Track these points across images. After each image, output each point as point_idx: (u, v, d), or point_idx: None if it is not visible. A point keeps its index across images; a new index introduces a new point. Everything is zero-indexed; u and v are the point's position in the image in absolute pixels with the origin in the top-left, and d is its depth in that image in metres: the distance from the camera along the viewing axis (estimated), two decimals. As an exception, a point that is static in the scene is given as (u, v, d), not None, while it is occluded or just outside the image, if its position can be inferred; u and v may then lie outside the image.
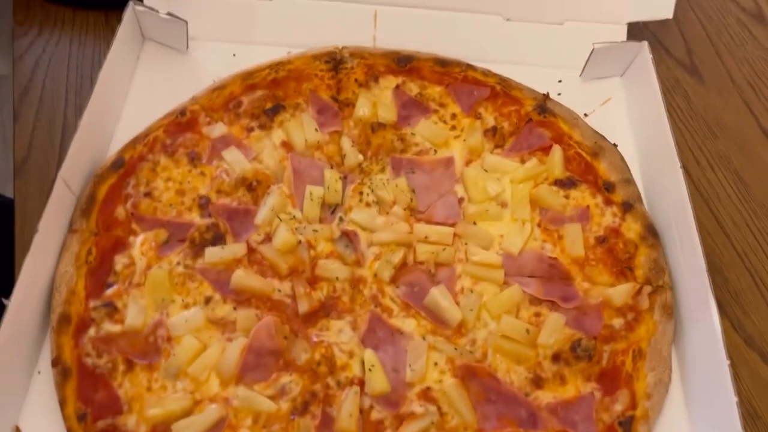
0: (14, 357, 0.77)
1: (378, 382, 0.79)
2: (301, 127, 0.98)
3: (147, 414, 0.76)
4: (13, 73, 1.06)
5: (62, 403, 0.76)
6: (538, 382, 0.81)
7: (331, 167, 0.96)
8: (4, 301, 0.75)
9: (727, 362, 0.75)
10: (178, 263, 0.86)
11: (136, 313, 0.82)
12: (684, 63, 1.15)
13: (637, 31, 1.10)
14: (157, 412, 0.76)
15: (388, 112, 1.00)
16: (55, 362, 0.78)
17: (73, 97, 1.05)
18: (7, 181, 1.04)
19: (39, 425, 0.77)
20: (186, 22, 1.04)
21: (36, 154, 0.99)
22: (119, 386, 0.77)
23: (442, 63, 1.06)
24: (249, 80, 1.02)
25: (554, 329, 0.83)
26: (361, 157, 0.96)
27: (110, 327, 0.81)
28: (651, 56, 1.03)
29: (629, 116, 1.06)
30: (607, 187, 0.95)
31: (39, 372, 0.80)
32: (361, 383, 0.80)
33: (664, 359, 0.82)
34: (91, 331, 0.80)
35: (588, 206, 0.93)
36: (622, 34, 1.10)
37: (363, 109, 1.00)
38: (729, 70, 1.15)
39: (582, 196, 0.94)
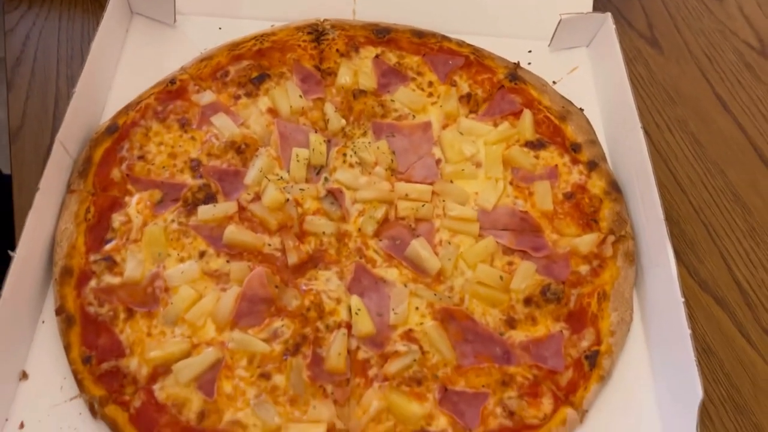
0: (19, 307, 0.81)
1: (364, 324, 0.85)
2: (286, 95, 1.03)
3: (148, 356, 0.81)
4: (4, 45, 1.10)
5: (67, 348, 0.81)
6: (511, 323, 0.87)
7: (316, 132, 1.01)
8: (10, 253, 0.79)
9: (682, 300, 0.82)
10: (173, 221, 0.91)
11: (134, 266, 0.87)
12: (645, 35, 1.23)
13: (601, 5, 1.16)
14: (158, 355, 0.81)
15: (368, 80, 1.06)
16: (59, 311, 0.83)
17: (64, 68, 1.09)
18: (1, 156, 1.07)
19: (45, 370, 0.81)
20: (173, -4, 1.09)
21: (30, 122, 1.03)
22: (121, 332, 0.82)
23: (419, 34, 1.12)
24: (235, 51, 1.07)
25: (526, 276, 0.90)
26: (344, 121, 1.02)
27: (110, 279, 0.86)
28: (614, 27, 1.09)
29: (595, 83, 1.13)
30: (574, 148, 1.02)
31: (43, 321, 0.84)
32: (348, 326, 0.85)
33: (627, 300, 0.89)
34: (93, 283, 0.85)
35: (556, 165, 1.00)
36: (588, 6, 1.16)
37: (345, 77, 1.06)
38: (686, 41, 1.22)
39: (551, 156, 1.01)
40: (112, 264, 0.87)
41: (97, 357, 0.80)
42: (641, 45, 1.21)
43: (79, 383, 0.79)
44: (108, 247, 0.88)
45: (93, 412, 0.78)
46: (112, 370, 0.80)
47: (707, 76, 1.18)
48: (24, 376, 0.81)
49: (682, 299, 0.82)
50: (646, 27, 1.24)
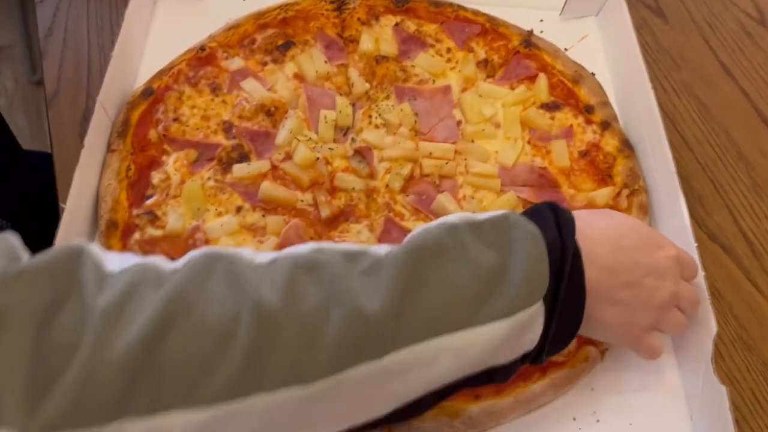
0: (68, 258, 0.85)
1: (395, 272, 0.89)
2: (312, 61, 1.07)
3: (194, 302, 0.85)
4: (35, 16, 1.13)
5: (116, 296, 0.85)
6: (534, 270, 0.92)
7: (341, 95, 1.06)
8: (62, 205, 0.83)
9: (695, 245, 0.87)
10: (209, 178, 0.95)
11: (175, 220, 0.91)
12: (651, 6, 1.28)
13: None
14: (203, 300, 0.85)
15: (389, 47, 1.11)
16: (107, 261, 0.87)
17: (95, 37, 1.12)
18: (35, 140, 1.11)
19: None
20: (199, -32, 1.12)
21: (65, 88, 1.06)
22: (166, 281, 0.87)
23: (436, 4, 1.17)
24: (261, 20, 1.11)
25: (546, 226, 0.95)
26: (367, 85, 1.07)
27: (153, 231, 0.90)
28: (623, -4, 1.15)
29: (604, 50, 1.18)
30: (587, 109, 1.07)
31: (91, 272, 0.88)
32: (381, 274, 0.90)
33: (641, 248, 0.94)
34: (137, 235, 0.89)
35: (571, 125, 1.05)
36: (595, -23, 1.22)
37: (367, 44, 1.10)
38: (690, 11, 1.28)
39: (565, 117, 1.06)
40: (154, 218, 0.91)
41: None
42: (647, 15, 1.26)
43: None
44: (149, 202, 0.92)
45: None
46: (160, 315, 0.84)
47: (710, 43, 1.23)
48: (75, 322, 0.85)
49: (695, 244, 0.87)
50: None
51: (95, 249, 0.58)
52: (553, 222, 0.69)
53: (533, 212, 0.71)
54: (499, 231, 0.66)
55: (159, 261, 0.60)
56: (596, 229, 0.73)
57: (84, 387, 0.47)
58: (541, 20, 1.21)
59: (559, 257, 0.66)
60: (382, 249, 0.66)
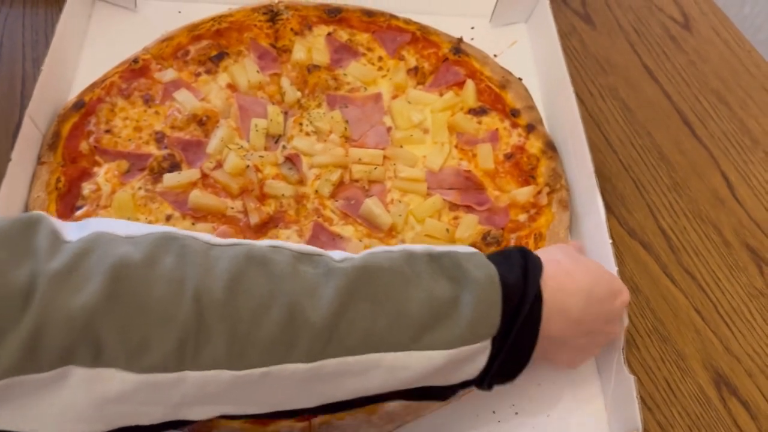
0: (-4, 270, 0.86)
1: (322, 275, 0.92)
2: (244, 70, 1.10)
3: (121, 310, 0.87)
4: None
5: (44, 305, 0.86)
6: (457, 270, 0.95)
7: (273, 104, 1.08)
8: (-14, 217, 0.84)
9: (609, 241, 0.91)
10: (140, 188, 0.97)
11: (105, 230, 0.92)
12: (579, 12, 1.32)
13: None
14: (130, 308, 0.87)
15: (322, 56, 1.13)
16: (35, 272, 0.88)
17: (29, 51, 1.13)
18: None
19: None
20: (133, -19, 1.14)
21: None
22: (94, 289, 0.88)
23: (369, 14, 1.20)
24: (195, 31, 1.13)
25: (469, 226, 0.98)
26: (299, 93, 1.09)
27: (82, 242, 0.91)
28: (548, 3, 1.19)
29: (533, 55, 1.22)
30: (514, 113, 1.10)
31: (19, 283, 0.90)
32: (308, 278, 0.92)
33: (561, 239, 0.97)
34: (66, 246, 0.90)
35: (497, 129, 1.09)
36: (525, -15, 1.26)
37: (299, 53, 1.13)
38: (616, 17, 1.32)
39: (492, 121, 1.10)
40: (83, 228, 0.92)
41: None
42: (575, 21, 1.31)
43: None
44: (79, 213, 0.94)
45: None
46: (87, 323, 0.86)
47: (635, 48, 1.28)
48: None
49: (610, 240, 0.91)
50: (580, 5, 1.33)
51: (54, 219, 0.62)
52: (520, 266, 0.70)
53: (502, 254, 0.73)
54: (457, 266, 0.68)
55: (117, 228, 0.63)
56: (575, 281, 0.75)
57: (32, 342, 0.53)
58: (472, 27, 1.25)
59: (516, 302, 0.68)
60: (338, 255, 0.68)
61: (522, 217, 1.00)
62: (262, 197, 0.99)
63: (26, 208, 0.93)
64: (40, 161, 0.97)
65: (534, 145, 1.07)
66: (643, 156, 1.13)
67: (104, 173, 0.98)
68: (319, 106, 1.09)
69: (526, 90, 1.14)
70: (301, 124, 1.06)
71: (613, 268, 0.88)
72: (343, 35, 1.17)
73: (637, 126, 1.17)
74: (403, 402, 0.82)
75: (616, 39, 1.29)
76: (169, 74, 1.08)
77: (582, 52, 1.26)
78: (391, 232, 0.98)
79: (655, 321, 0.97)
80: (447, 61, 1.15)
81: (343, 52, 1.15)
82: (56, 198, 0.94)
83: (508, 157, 1.06)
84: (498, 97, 1.12)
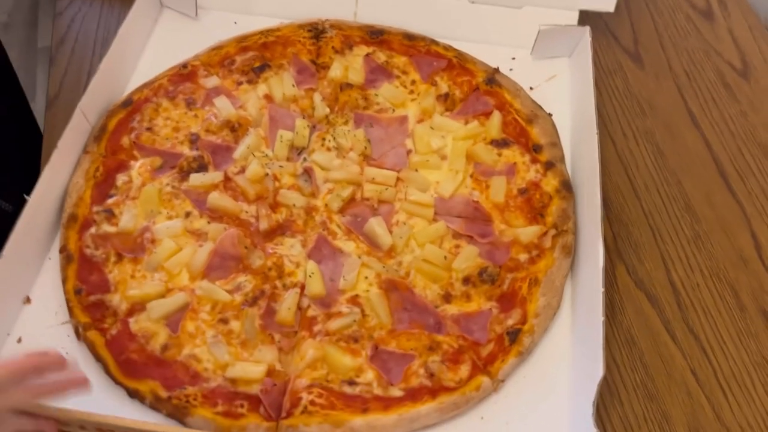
0: (30, 244, 0.97)
1: (315, 286, 0.96)
2: (281, 83, 1.16)
3: (128, 294, 0.95)
4: (53, 26, 1.28)
5: (64, 281, 0.96)
6: (448, 298, 0.97)
7: (303, 118, 1.14)
8: (25, 197, 0.95)
9: (602, 290, 0.89)
10: (167, 184, 1.05)
11: (128, 219, 1.01)
12: (629, 50, 1.29)
13: (592, 20, 1.24)
14: (137, 293, 0.95)
15: (357, 75, 1.18)
16: (62, 250, 0.98)
17: (99, 48, 1.25)
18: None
19: (44, 297, 0.97)
20: (195, -8, 1.24)
21: (65, 93, 1.20)
22: (109, 272, 0.97)
23: (410, 37, 1.23)
24: (243, 43, 1.21)
25: (467, 258, 0.99)
26: (328, 110, 1.14)
27: (107, 228, 1.01)
28: (590, 40, 1.17)
29: (571, 92, 1.21)
30: (536, 149, 1.10)
31: (50, 258, 1.00)
32: (303, 287, 0.97)
33: (556, 288, 0.97)
34: (92, 230, 1.00)
35: (515, 163, 1.09)
36: (573, 19, 1.24)
37: (336, 71, 1.18)
38: (669, 58, 1.28)
39: (512, 154, 1.10)
40: (110, 215, 1.02)
41: (87, 290, 0.95)
42: (623, 59, 1.28)
43: (70, 310, 0.94)
44: (110, 201, 1.03)
45: (78, 334, 0.93)
46: (98, 302, 0.94)
47: (683, 91, 1.23)
48: (27, 300, 0.96)
49: (602, 289, 0.89)
50: (632, 42, 1.30)
51: None
52: None
53: None
54: None
55: None
56: None
57: None
58: (513, 58, 1.25)
59: None
60: None
61: (523, 257, 1.00)
62: (275, 205, 1.05)
63: (66, 192, 1.03)
64: (85, 150, 1.07)
65: (550, 183, 1.07)
66: (667, 204, 1.10)
67: (138, 167, 1.07)
68: (345, 123, 1.14)
69: (553, 126, 1.13)
70: (324, 139, 1.11)
71: (600, 318, 0.87)
72: (381, 56, 1.21)
73: (667, 173, 1.13)
74: (368, 419, 0.85)
75: (664, 81, 1.25)
76: (212, 81, 1.17)
77: (624, 91, 1.23)
78: (390, 253, 1.01)
79: (645, 377, 0.94)
80: (478, 90, 1.17)
81: (378, 73, 1.19)
82: (93, 185, 1.04)
83: (522, 192, 1.06)
84: (523, 130, 1.12)
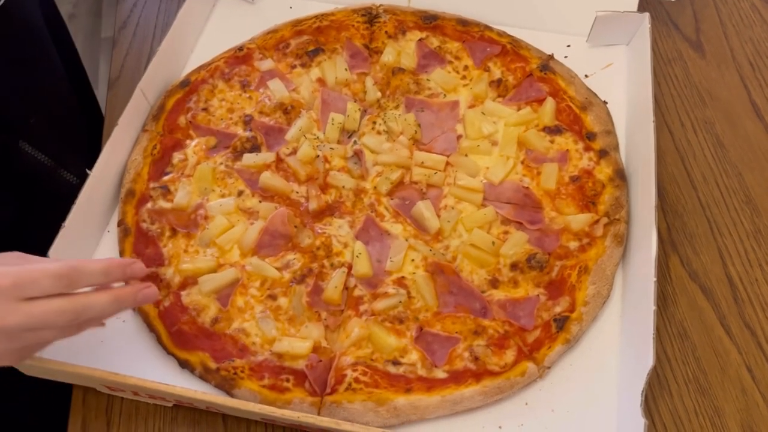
0: (91, 217, 1.01)
1: (362, 266, 0.97)
2: (334, 67, 1.17)
3: (181, 268, 0.98)
4: (116, 9, 1.32)
5: (121, 253, 0.99)
6: (494, 284, 0.96)
7: (355, 101, 1.15)
8: (87, 171, 0.99)
9: (654, 279, 0.87)
10: (221, 163, 1.08)
11: (183, 196, 1.04)
12: (690, 39, 1.25)
13: (652, 8, 1.21)
14: (189, 267, 0.97)
15: (409, 60, 1.18)
16: (120, 223, 1.02)
17: (159, 32, 1.29)
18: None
19: (103, 268, 1.00)
20: (253, -23, 1.26)
21: (126, 74, 1.24)
22: (164, 246, 1.00)
23: (464, 23, 1.22)
24: (298, 27, 1.23)
25: (516, 244, 0.98)
26: (379, 94, 1.15)
27: (163, 203, 1.04)
28: (649, 27, 1.14)
29: (628, 80, 1.18)
30: (589, 136, 1.08)
31: (108, 231, 1.04)
32: (350, 267, 0.98)
33: (607, 277, 0.95)
34: (149, 205, 1.03)
35: (568, 150, 1.07)
36: (633, 5, 1.21)
37: (388, 56, 1.18)
38: (732, 48, 1.24)
39: (565, 141, 1.09)
40: (166, 192, 1.05)
41: (143, 263, 0.98)
42: (684, 48, 1.24)
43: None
44: (166, 178, 1.06)
45: (133, 305, 0.96)
46: (152, 274, 0.97)
47: (746, 82, 1.19)
48: (87, 271, 1.00)
49: (654, 278, 0.88)
50: (694, 31, 1.26)
51: None
52: None
53: None
54: None
55: None
56: None
57: None
58: (569, 45, 1.23)
59: None
60: None
61: (573, 245, 0.98)
62: (325, 186, 1.06)
63: (124, 169, 1.07)
64: (143, 129, 1.11)
65: (603, 172, 1.05)
66: (726, 197, 1.06)
67: (194, 146, 1.09)
68: (396, 107, 1.14)
69: (608, 114, 1.11)
70: (375, 122, 1.12)
71: (651, 307, 0.86)
72: (434, 42, 1.20)
73: (727, 164, 1.09)
74: (411, 398, 0.86)
75: (726, 70, 1.21)
76: (267, 64, 1.18)
77: (684, 80, 1.20)
78: (437, 236, 1.01)
79: (698, 371, 0.92)
80: (531, 76, 1.15)
81: (431, 58, 1.19)
82: (150, 162, 1.07)
83: (574, 179, 1.05)
84: (577, 118, 1.11)
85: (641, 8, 1.20)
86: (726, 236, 1.03)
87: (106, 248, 1.02)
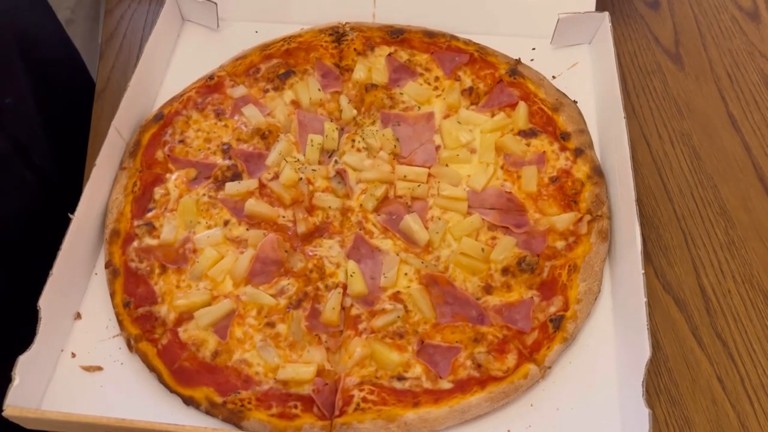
0: (76, 261, 0.99)
1: (357, 285, 0.98)
2: (307, 88, 1.18)
3: (175, 304, 0.97)
4: (103, 22, 1.31)
5: (112, 295, 0.98)
6: (488, 290, 0.98)
7: (331, 121, 1.15)
8: (69, 215, 0.97)
9: (642, 271, 0.90)
10: (204, 194, 1.07)
11: (169, 231, 1.03)
12: (669, 51, 1.28)
13: (632, 21, 1.24)
14: (183, 303, 0.97)
15: (380, 76, 1.19)
16: (108, 265, 1.00)
17: (145, 45, 1.26)
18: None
19: (94, 312, 0.99)
20: (216, 4, 1.25)
21: (111, 86, 1.24)
22: (155, 284, 0.99)
23: (430, 35, 1.24)
24: (266, 51, 1.23)
25: (505, 248, 1.00)
26: (355, 111, 1.16)
27: (149, 240, 1.03)
28: (609, 25, 1.18)
29: (593, 78, 1.22)
30: (564, 137, 1.11)
31: (96, 273, 1.02)
32: (344, 287, 0.99)
33: (596, 273, 0.98)
34: (135, 243, 1.02)
35: (545, 152, 1.10)
36: (591, 5, 1.24)
37: (360, 73, 1.19)
38: (711, 59, 1.27)
39: (541, 143, 1.11)
40: (151, 228, 1.04)
41: (135, 303, 0.97)
42: (663, 60, 1.27)
43: (120, 323, 0.96)
44: (149, 214, 1.05)
45: (129, 346, 0.95)
46: (146, 314, 0.96)
47: (723, 94, 1.22)
48: (78, 316, 0.99)
49: (642, 270, 0.90)
50: (673, 43, 1.29)
51: None
52: None
53: None
54: None
55: None
56: None
57: None
58: (534, 48, 1.26)
59: None
60: None
61: (560, 245, 1.01)
62: (311, 208, 1.06)
63: (106, 209, 1.05)
64: (121, 167, 1.10)
65: (580, 170, 1.07)
66: (701, 208, 1.09)
67: (174, 179, 1.09)
68: (373, 123, 1.15)
69: (579, 113, 1.14)
70: (354, 140, 1.13)
71: (643, 299, 0.88)
72: (403, 55, 1.22)
73: (703, 176, 1.12)
74: (419, 412, 0.87)
75: (704, 83, 1.23)
76: (239, 90, 1.18)
77: (662, 92, 1.22)
78: (427, 248, 1.02)
79: (669, 382, 0.94)
80: (501, 82, 1.18)
81: (402, 72, 1.20)
82: (132, 200, 1.06)
83: (554, 180, 1.07)
84: (550, 119, 1.13)
85: (621, 21, 1.23)
86: (700, 247, 1.05)
87: (96, 291, 1.01)
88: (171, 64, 1.27)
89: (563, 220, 1.02)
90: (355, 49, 1.23)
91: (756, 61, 1.28)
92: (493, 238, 1.03)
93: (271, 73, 1.20)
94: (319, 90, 1.18)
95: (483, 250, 1.00)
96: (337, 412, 0.88)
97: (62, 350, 0.96)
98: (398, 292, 0.98)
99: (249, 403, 0.89)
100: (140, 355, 0.94)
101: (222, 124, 1.15)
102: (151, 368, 0.92)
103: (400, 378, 0.91)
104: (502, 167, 1.10)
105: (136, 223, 1.04)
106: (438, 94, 1.18)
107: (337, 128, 1.14)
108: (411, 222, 1.03)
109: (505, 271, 0.99)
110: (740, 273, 1.03)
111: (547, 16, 1.23)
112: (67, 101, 1.27)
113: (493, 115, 1.14)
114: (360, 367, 0.92)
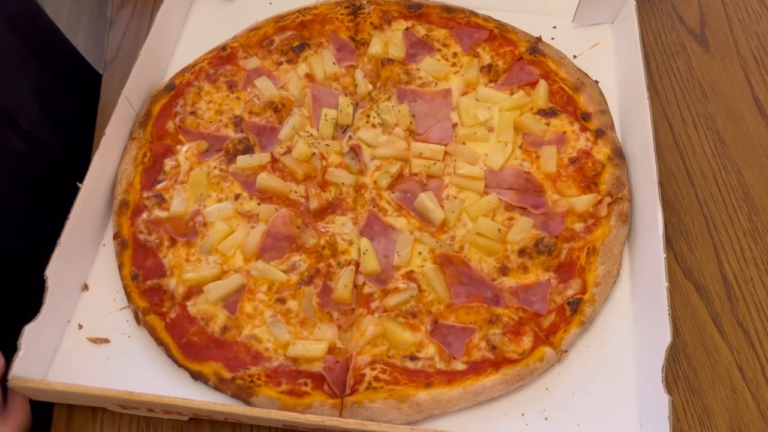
0: (85, 232, 0.97)
1: (370, 263, 0.96)
2: (322, 62, 1.15)
3: (185, 278, 0.95)
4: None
5: (120, 267, 0.96)
6: (504, 271, 0.96)
7: (346, 95, 1.13)
8: (78, 184, 0.95)
9: (664, 256, 0.88)
10: (215, 167, 1.05)
11: (179, 203, 1.01)
12: (695, 32, 1.24)
13: (657, 1, 1.20)
14: (193, 277, 0.95)
15: (397, 50, 1.16)
16: (116, 236, 0.98)
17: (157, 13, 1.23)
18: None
19: (102, 284, 0.97)
20: (230, -27, 1.23)
21: (122, 56, 1.22)
22: (164, 257, 0.97)
23: (449, 10, 1.21)
24: (280, 22, 1.20)
25: (522, 229, 0.98)
26: (370, 86, 1.13)
27: (159, 213, 1.01)
28: (634, 4, 1.14)
29: (616, 58, 1.18)
30: (584, 117, 1.08)
31: (104, 245, 1.00)
32: (357, 264, 0.97)
33: (615, 256, 0.95)
34: (144, 215, 1.00)
35: (564, 132, 1.07)
36: (615, -15, 1.21)
37: (376, 47, 1.16)
38: (737, 42, 1.23)
39: (561, 123, 1.08)
40: (161, 200, 1.01)
41: (143, 275, 0.95)
42: (688, 41, 1.23)
43: (128, 296, 0.94)
44: (159, 186, 1.03)
45: (137, 319, 0.93)
46: (155, 287, 0.95)
47: (749, 77, 1.18)
48: (85, 287, 0.97)
49: (664, 255, 0.88)
50: (698, 24, 1.25)
51: None
52: None
53: None
54: None
55: None
56: None
57: None
58: (554, 27, 1.22)
59: None
60: None
61: (578, 227, 0.98)
62: (324, 184, 1.04)
63: (115, 179, 1.03)
64: (131, 137, 1.07)
65: (601, 151, 1.05)
66: (724, 194, 1.06)
67: (185, 151, 1.06)
68: (389, 99, 1.12)
69: (600, 93, 1.11)
70: (368, 116, 1.10)
71: (664, 284, 0.86)
72: (420, 30, 1.19)
73: (726, 161, 1.09)
74: (432, 393, 0.85)
75: (730, 66, 1.19)
76: (252, 62, 1.16)
77: (686, 74, 1.19)
78: (442, 227, 1.00)
79: (688, 369, 0.92)
80: (521, 60, 1.14)
81: (419, 47, 1.17)
82: (141, 171, 1.04)
83: (573, 161, 1.04)
84: (570, 99, 1.10)
85: (644, 1, 1.20)
86: (722, 233, 1.03)
87: (103, 263, 0.99)
88: (183, 33, 1.24)
89: (583, 201, 0.99)
90: (371, 23, 1.20)
91: None
92: (510, 218, 1.00)
93: (285, 45, 1.17)
94: (334, 63, 1.15)
95: (499, 230, 0.98)
96: (348, 391, 0.87)
97: (69, 321, 0.94)
98: (412, 271, 0.96)
99: (258, 379, 0.87)
100: (148, 328, 0.92)
101: (234, 96, 1.13)
102: (159, 342, 0.91)
103: (413, 358, 0.89)
104: (520, 146, 1.07)
105: (145, 194, 1.02)
106: (456, 70, 1.15)
107: (351, 103, 1.11)
108: (426, 200, 1.00)
109: (521, 252, 0.97)
110: (763, 260, 1.00)
111: (570, -7, 1.20)
112: (57, 67, 1.23)
113: (512, 93, 1.12)
114: (372, 345, 0.90)
